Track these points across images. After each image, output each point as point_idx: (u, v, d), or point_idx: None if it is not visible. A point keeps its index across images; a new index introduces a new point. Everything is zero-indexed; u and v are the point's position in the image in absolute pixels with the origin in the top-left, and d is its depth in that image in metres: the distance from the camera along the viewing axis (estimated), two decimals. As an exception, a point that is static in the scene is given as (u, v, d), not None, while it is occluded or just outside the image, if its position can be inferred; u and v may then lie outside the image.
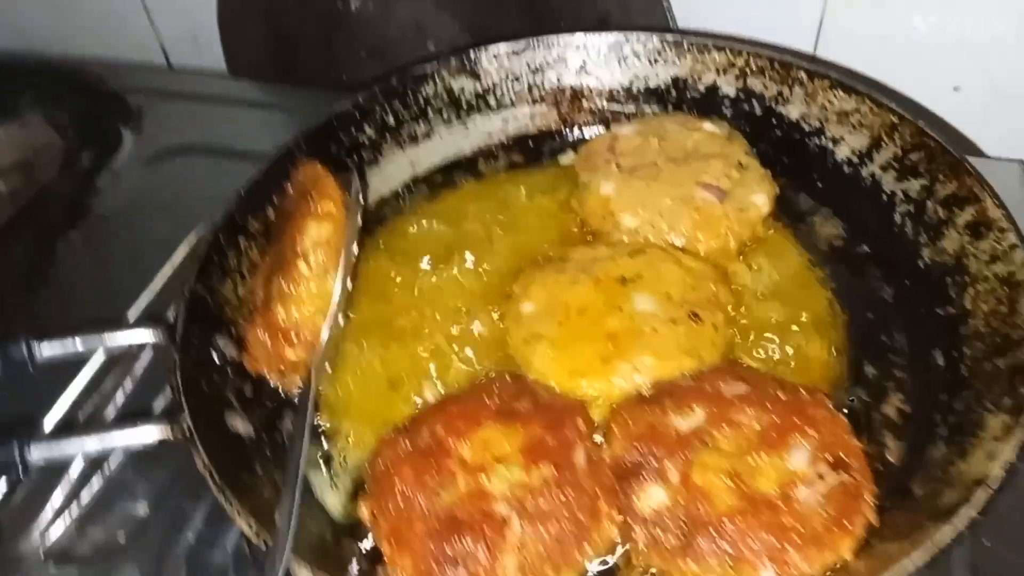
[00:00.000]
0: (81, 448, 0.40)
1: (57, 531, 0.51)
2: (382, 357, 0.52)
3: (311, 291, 0.45)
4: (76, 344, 0.43)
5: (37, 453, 0.39)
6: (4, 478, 0.49)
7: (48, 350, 0.42)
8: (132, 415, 0.53)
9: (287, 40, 0.90)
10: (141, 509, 0.52)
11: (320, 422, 0.48)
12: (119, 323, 0.47)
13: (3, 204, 0.74)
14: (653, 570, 0.40)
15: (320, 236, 0.45)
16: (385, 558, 0.40)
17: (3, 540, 0.51)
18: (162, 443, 0.41)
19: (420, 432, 0.44)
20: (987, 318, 0.44)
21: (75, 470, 0.51)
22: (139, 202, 0.74)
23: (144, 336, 0.44)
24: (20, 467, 0.38)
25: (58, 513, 0.51)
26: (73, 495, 0.51)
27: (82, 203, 0.75)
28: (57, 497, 0.51)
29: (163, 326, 0.45)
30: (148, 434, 0.40)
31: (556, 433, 0.43)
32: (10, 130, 0.80)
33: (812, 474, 0.40)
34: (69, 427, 0.51)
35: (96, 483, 0.52)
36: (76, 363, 0.52)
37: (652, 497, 0.41)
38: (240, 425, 0.44)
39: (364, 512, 0.42)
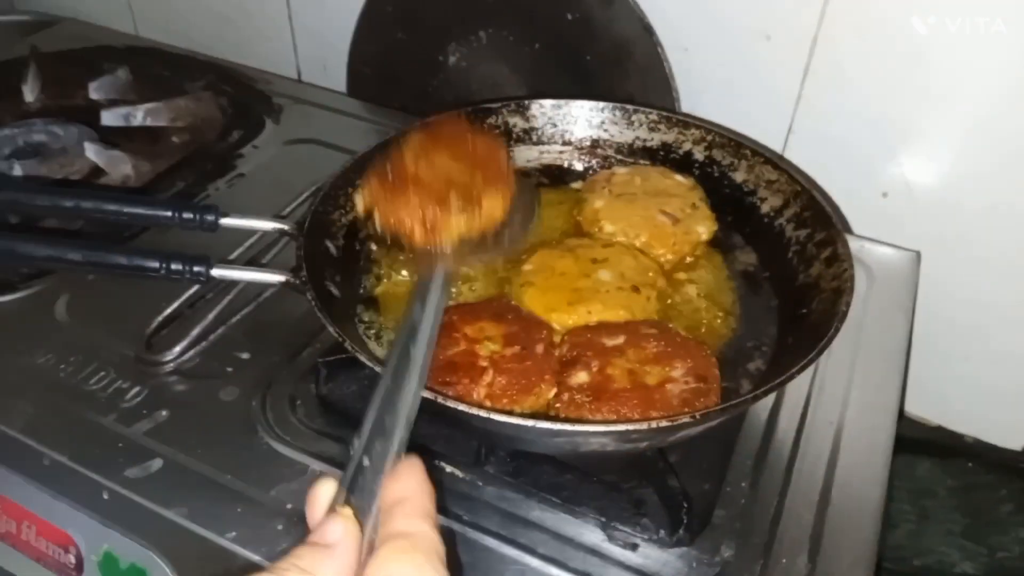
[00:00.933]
0: (243, 275, 0.65)
1: (187, 356, 0.76)
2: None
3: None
4: (246, 222, 0.69)
5: (218, 271, 0.64)
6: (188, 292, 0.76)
7: (228, 221, 0.69)
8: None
9: (395, 78, 1.17)
10: (246, 355, 0.77)
11: (371, 318, 0.73)
12: (271, 217, 0.73)
13: (174, 150, 1.03)
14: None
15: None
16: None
17: (153, 352, 0.76)
18: (284, 286, 0.66)
19: (446, 317, 0.68)
20: (819, 314, 0.67)
21: (211, 316, 0.77)
22: (271, 169, 1.00)
23: (285, 226, 0.70)
24: (206, 277, 0.63)
25: (192, 343, 0.76)
26: (204, 334, 0.77)
27: (230, 163, 1.01)
28: (194, 331, 0.76)
29: (295, 223, 0.71)
30: (280, 276, 0.65)
31: (527, 332, 0.67)
32: (188, 101, 1.08)
33: (681, 380, 0.63)
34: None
35: (220, 330, 0.78)
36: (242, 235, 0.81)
37: (579, 377, 0.64)
38: (333, 289, 0.69)
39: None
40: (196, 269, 0.62)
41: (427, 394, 0.55)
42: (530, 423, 0.53)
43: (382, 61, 1.17)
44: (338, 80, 1.22)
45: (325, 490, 0.38)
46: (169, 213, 0.68)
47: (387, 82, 1.18)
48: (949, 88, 0.84)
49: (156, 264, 0.62)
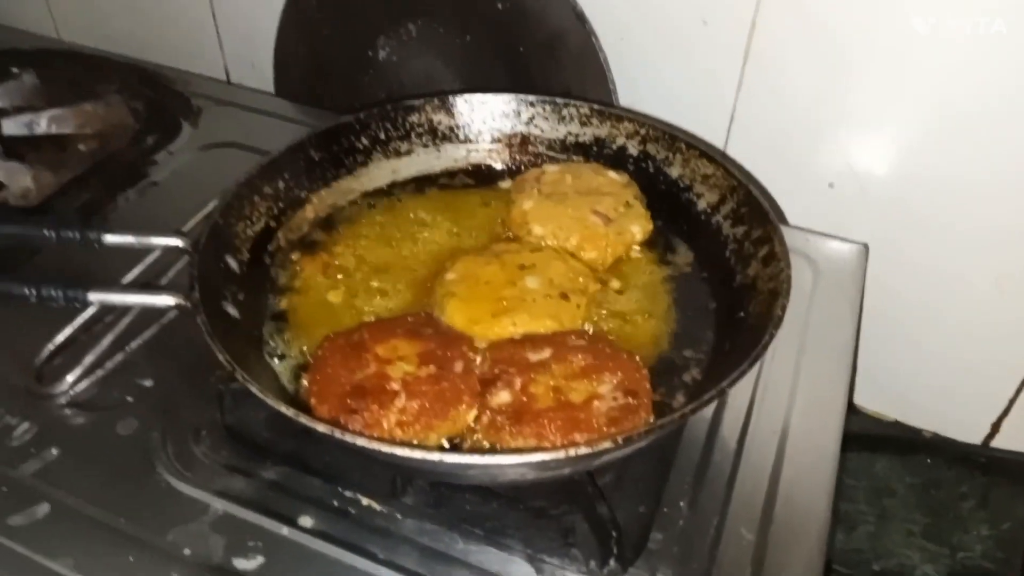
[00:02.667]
0: (125, 298, 0.59)
1: (81, 386, 0.70)
2: (345, 297, 0.71)
3: None
4: (133, 239, 0.63)
5: (96, 295, 0.58)
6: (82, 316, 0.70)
7: (112, 238, 0.63)
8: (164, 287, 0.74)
9: (324, 75, 1.11)
10: (148, 382, 0.71)
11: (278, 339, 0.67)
12: (166, 232, 0.67)
13: (82, 159, 0.96)
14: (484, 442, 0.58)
15: None
16: (312, 409, 0.58)
17: (44, 383, 0.70)
18: (176, 309, 0.60)
19: (353, 335, 0.63)
20: (756, 317, 0.63)
21: (107, 340, 0.71)
22: (186, 175, 0.94)
23: (179, 242, 0.64)
24: (83, 303, 0.57)
25: (87, 371, 0.70)
26: (100, 361, 0.71)
27: (141, 170, 0.94)
28: (88, 358, 0.70)
29: (191, 239, 0.65)
30: (170, 299, 0.60)
31: (445, 349, 0.62)
32: (97, 106, 1.01)
33: (609, 396, 0.58)
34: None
35: (119, 357, 0.72)
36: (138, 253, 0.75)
37: (500, 396, 0.59)
38: (232, 310, 0.63)
39: (305, 379, 0.61)
40: (71, 294, 0.57)
41: (322, 428, 0.50)
42: (436, 457, 0.49)
43: (309, 58, 1.11)
44: (269, 80, 1.16)
45: None
46: (49, 233, 0.62)
47: (316, 80, 1.12)
48: (896, 69, 0.80)
49: (26, 290, 0.56)
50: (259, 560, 0.56)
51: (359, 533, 0.59)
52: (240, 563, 0.56)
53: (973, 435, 0.98)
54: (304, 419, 0.50)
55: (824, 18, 0.80)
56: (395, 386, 0.58)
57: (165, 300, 0.60)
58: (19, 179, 0.89)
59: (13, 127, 0.97)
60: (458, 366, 0.60)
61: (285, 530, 0.58)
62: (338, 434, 0.49)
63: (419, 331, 0.63)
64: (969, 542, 0.93)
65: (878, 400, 1.02)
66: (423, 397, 0.57)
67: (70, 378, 0.68)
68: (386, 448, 0.49)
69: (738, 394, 0.70)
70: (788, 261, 0.63)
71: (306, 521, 0.59)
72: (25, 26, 1.30)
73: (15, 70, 1.07)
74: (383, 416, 0.56)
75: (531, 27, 0.94)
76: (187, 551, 0.57)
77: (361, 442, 0.49)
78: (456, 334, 0.64)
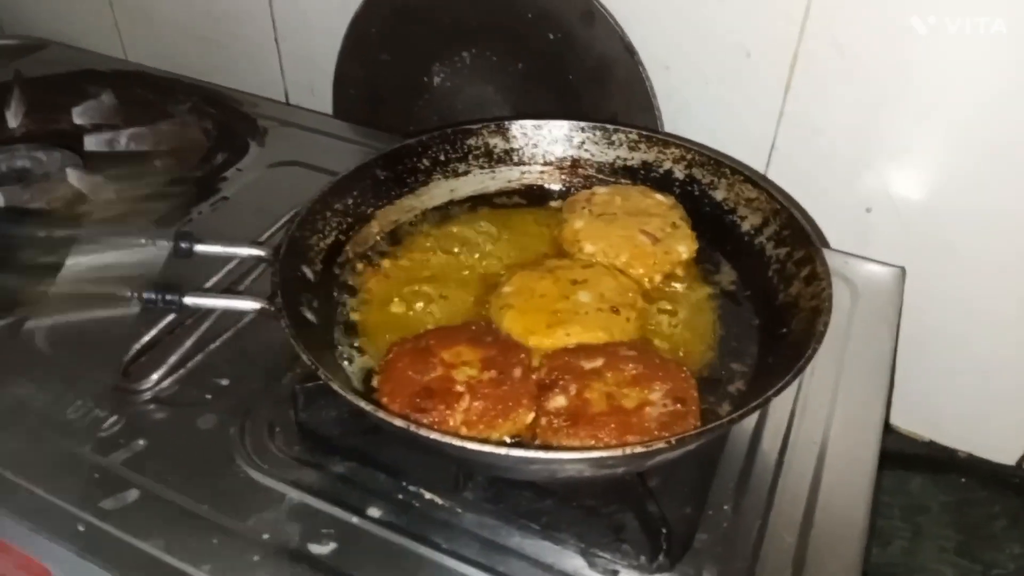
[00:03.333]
0: (216, 302, 0.65)
1: (165, 383, 0.76)
2: (408, 306, 0.76)
3: None
4: (220, 249, 0.69)
5: (190, 299, 0.64)
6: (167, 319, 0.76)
7: (202, 248, 0.68)
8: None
9: (381, 99, 1.17)
10: (225, 381, 0.76)
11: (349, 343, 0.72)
12: (248, 243, 0.72)
13: (158, 175, 1.03)
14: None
15: None
16: (383, 407, 0.63)
17: (131, 380, 0.76)
18: (259, 313, 0.66)
19: (420, 341, 0.68)
20: (799, 334, 0.66)
21: (189, 342, 0.76)
22: (255, 191, 1.00)
23: (261, 252, 0.70)
24: (178, 306, 0.63)
25: (170, 370, 0.76)
26: (182, 361, 0.76)
27: (213, 186, 1.01)
28: (172, 358, 0.76)
29: (272, 249, 0.70)
30: (255, 304, 0.65)
31: (505, 356, 0.66)
32: (172, 125, 1.08)
33: (659, 403, 0.62)
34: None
35: (199, 357, 0.78)
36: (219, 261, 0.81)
37: (557, 401, 0.63)
38: (309, 315, 0.68)
39: (375, 381, 0.66)
40: (169, 297, 0.62)
41: (399, 422, 0.54)
42: (503, 451, 0.53)
43: (367, 82, 1.17)
44: (326, 102, 1.22)
45: None
46: (144, 241, 0.68)
47: (373, 103, 1.18)
48: (931, 102, 0.84)
49: (128, 293, 0.61)
50: (332, 546, 0.61)
51: (423, 524, 0.63)
52: (315, 548, 0.61)
53: (1006, 456, 1.00)
54: (383, 414, 0.55)
55: (861, 51, 0.84)
56: (460, 388, 0.62)
57: (251, 304, 0.65)
58: (102, 192, 0.95)
59: (95, 143, 1.04)
60: (517, 372, 0.65)
61: (355, 519, 0.63)
62: (414, 428, 0.54)
63: (481, 338, 0.68)
64: (1002, 560, 0.95)
65: (913, 420, 1.05)
66: (486, 399, 0.62)
67: (155, 376, 0.73)
68: (457, 442, 0.53)
69: (779, 408, 0.73)
70: (830, 280, 0.67)
71: (374, 512, 0.63)
72: (93, 47, 1.39)
73: (93, 90, 1.15)
74: (450, 415, 0.60)
75: (581, 56, 0.99)
76: (266, 536, 0.62)
77: (435, 436, 0.53)
78: (514, 343, 0.69)
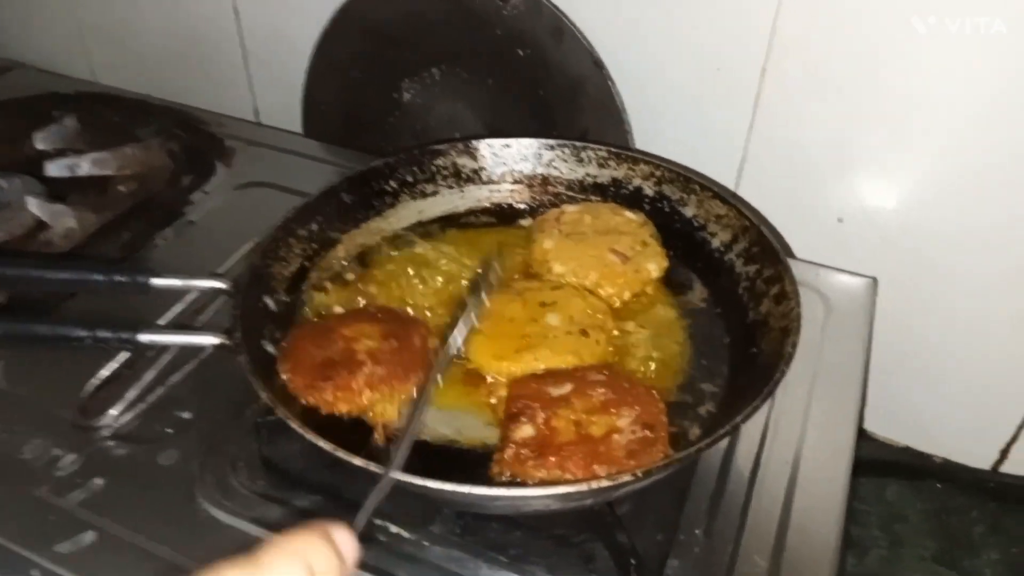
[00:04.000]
0: (172, 339, 0.64)
1: (125, 419, 0.74)
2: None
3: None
4: (178, 282, 0.67)
5: (146, 337, 0.62)
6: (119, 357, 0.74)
7: (159, 281, 0.67)
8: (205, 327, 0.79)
9: (351, 116, 1.16)
10: (187, 415, 0.75)
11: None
12: (207, 275, 0.71)
13: (123, 200, 1.01)
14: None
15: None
16: (287, 384, 0.63)
17: (88, 416, 0.74)
18: (217, 348, 0.64)
19: (320, 321, 0.70)
20: (768, 355, 0.66)
21: (149, 375, 0.75)
22: (221, 214, 0.98)
23: (221, 284, 0.69)
24: (133, 344, 0.61)
25: (129, 405, 0.74)
26: (142, 395, 0.74)
27: (179, 209, 0.99)
28: (131, 393, 0.74)
29: (232, 280, 0.69)
30: (213, 339, 0.64)
31: (404, 328, 0.68)
32: (136, 149, 1.06)
33: (628, 430, 0.61)
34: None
35: (160, 391, 0.76)
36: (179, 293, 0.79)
37: (523, 431, 0.62)
38: (270, 348, 0.67)
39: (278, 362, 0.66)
40: (124, 336, 0.60)
41: (358, 461, 0.53)
42: (466, 489, 0.52)
43: (338, 100, 1.15)
44: (296, 121, 1.21)
45: None
46: (100, 277, 0.66)
47: (344, 121, 1.17)
48: (901, 114, 0.83)
49: (83, 333, 0.60)
50: (296, 585, 0.59)
51: (389, 559, 0.62)
52: (279, 588, 0.59)
53: (982, 461, 1.00)
54: (342, 453, 0.54)
55: (831, 62, 0.83)
56: (362, 357, 0.64)
57: (209, 340, 0.63)
58: (63, 220, 0.93)
59: (56, 169, 1.02)
60: (416, 340, 0.67)
61: (320, 557, 0.61)
62: (372, 467, 0.52)
63: (380, 316, 0.70)
64: (980, 567, 0.95)
65: (888, 426, 1.04)
66: (388, 364, 0.64)
67: (113, 411, 0.72)
68: (419, 481, 0.52)
69: (751, 426, 0.73)
70: (799, 300, 0.66)
71: (339, 548, 0.62)
72: (61, 68, 1.37)
73: (56, 114, 1.13)
74: (352, 380, 0.62)
75: (551, 73, 0.98)
76: (228, 576, 0.60)
77: (394, 474, 0.52)
78: (412, 317, 0.72)
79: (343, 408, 0.63)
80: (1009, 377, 0.94)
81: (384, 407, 0.63)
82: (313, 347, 0.66)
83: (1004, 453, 0.99)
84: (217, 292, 0.71)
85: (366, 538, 0.62)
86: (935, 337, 0.95)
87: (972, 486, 1.02)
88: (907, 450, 1.05)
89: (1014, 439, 0.97)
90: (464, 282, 0.79)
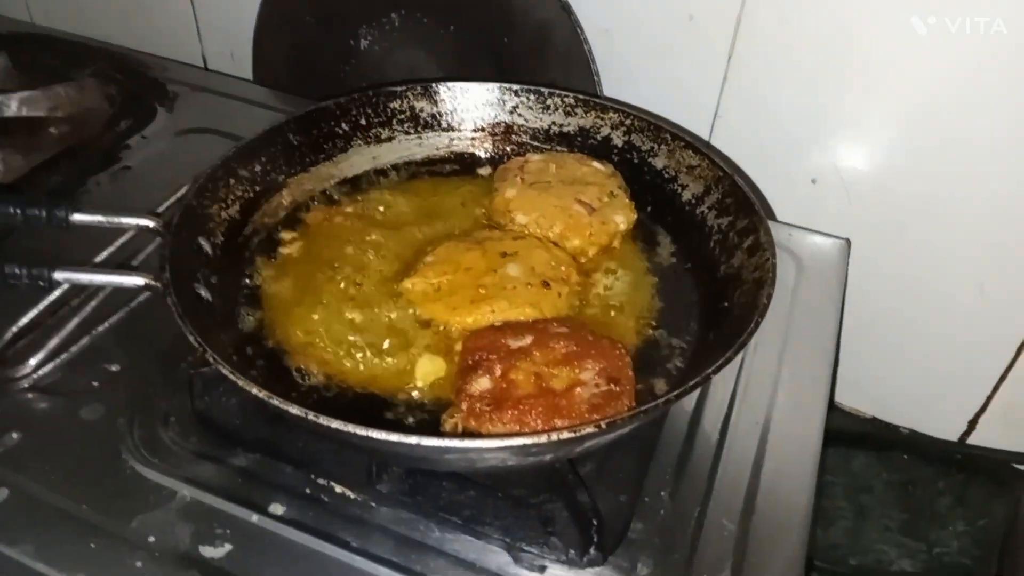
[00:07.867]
0: (93, 278, 0.57)
1: (45, 369, 0.68)
2: (326, 275, 0.69)
3: None
4: (102, 218, 0.61)
5: (62, 274, 0.56)
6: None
7: (81, 217, 0.61)
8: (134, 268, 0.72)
9: (304, 64, 1.10)
10: (115, 367, 0.69)
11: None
12: (137, 212, 0.64)
13: (53, 143, 0.94)
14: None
15: None
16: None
17: (5, 366, 0.67)
18: (145, 292, 0.58)
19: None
20: (741, 307, 0.62)
21: (73, 323, 0.69)
22: (160, 160, 0.92)
23: (151, 222, 0.62)
24: (48, 281, 0.55)
25: (51, 355, 0.68)
26: (66, 345, 0.68)
27: (114, 154, 0.92)
28: (53, 341, 0.68)
29: (164, 220, 0.63)
30: (139, 279, 0.58)
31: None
32: (70, 89, 0.98)
33: (591, 383, 0.57)
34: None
35: (85, 340, 0.70)
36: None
37: (480, 383, 0.57)
38: (203, 292, 0.61)
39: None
40: (35, 272, 0.54)
41: (296, 410, 0.48)
42: (413, 440, 0.47)
43: (290, 47, 1.09)
44: (246, 68, 1.14)
45: None
46: (15, 211, 0.59)
47: (296, 68, 1.10)
48: (878, 74, 0.80)
49: (-12, 267, 0.53)
50: (227, 548, 0.55)
51: (332, 521, 0.57)
52: (207, 551, 0.54)
53: (950, 432, 0.99)
54: (277, 401, 0.48)
55: (809, 17, 0.79)
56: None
57: (134, 280, 0.58)
58: (-13, 161, 0.86)
59: (-19, 109, 0.94)
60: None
61: (255, 518, 0.57)
62: (312, 416, 0.47)
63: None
64: (946, 538, 0.93)
65: (855, 396, 1.02)
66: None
67: (33, 361, 0.66)
68: (362, 431, 0.47)
69: (720, 386, 0.69)
70: (774, 251, 0.62)
71: (277, 509, 0.57)
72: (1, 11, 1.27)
73: (-15, 52, 1.04)
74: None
75: (516, 18, 0.93)
76: (152, 538, 0.55)
77: (336, 425, 0.47)
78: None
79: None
80: (978, 348, 0.92)
81: None
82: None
83: (972, 424, 0.97)
84: (149, 233, 0.64)
85: (307, 499, 0.58)
86: (903, 306, 0.93)
87: (939, 458, 1.00)
88: (874, 421, 1.03)
89: (982, 410, 0.96)
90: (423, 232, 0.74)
